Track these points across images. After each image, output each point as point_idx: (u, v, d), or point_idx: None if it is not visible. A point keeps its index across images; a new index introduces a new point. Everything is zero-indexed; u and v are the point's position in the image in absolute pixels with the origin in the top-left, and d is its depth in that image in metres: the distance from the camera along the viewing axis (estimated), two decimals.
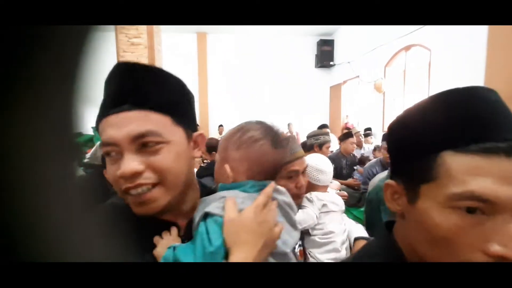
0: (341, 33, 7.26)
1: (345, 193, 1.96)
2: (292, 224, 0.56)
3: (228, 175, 0.52)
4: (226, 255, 0.43)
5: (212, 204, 0.47)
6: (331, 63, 7.57)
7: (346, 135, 2.73)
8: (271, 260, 0.49)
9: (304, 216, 1.01)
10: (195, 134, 0.52)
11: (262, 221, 0.46)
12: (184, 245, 0.46)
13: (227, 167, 0.52)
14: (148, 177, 0.43)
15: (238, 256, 0.43)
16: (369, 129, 4.71)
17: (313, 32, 7.62)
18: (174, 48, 6.86)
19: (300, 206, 1.05)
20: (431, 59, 4.16)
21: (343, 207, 1.13)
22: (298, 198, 1.00)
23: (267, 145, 0.53)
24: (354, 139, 2.70)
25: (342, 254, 1.02)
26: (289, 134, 6.84)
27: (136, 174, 0.42)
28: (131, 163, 0.42)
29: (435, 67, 4.11)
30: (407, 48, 4.82)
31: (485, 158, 0.31)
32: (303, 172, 0.98)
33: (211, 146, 2.21)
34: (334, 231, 1.03)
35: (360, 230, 1.11)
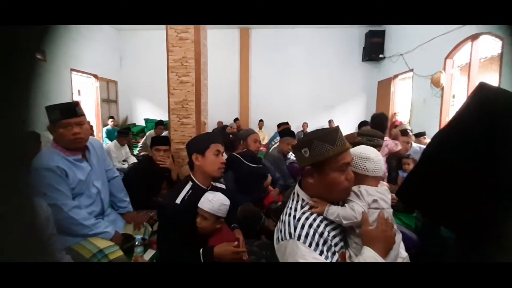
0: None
1: (395, 197, 1.80)
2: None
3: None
4: None
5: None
6: (381, 56, 7.04)
7: (401, 133, 2.49)
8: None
9: (348, 212, 0.92)
10: None
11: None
12: None
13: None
14: None
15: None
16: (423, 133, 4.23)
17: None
18: (218, 42, 7.04)
19: (345, 201, 0.97)
20: (504, 50, 3.60)
21: (389, 206, 1.01)
22: (348, 192, 0.95)
23: None
24: (408, 138, 2.44)
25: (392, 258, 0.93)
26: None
27: None
28: None
29: (508, 59, 3.54)
30: (474, 37, 4.23)
31: None
32: (350, 164, 0.94)
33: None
34: None
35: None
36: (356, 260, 0.88)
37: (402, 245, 1.02)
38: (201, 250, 1.25)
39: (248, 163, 2.17)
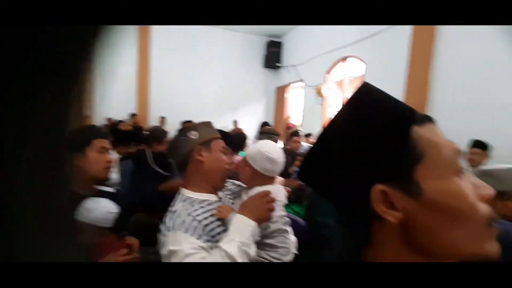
0: (289, 37, 7.55)
1: (289, 188, 1.97)
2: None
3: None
4: None
5: None
6: (278, 64, 7.81)
7: (293, 133, 2.82)
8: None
9: None
10: None
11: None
12: None
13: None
14: None
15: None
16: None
17: (263, 32, 7.73)
18: None
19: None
20: (366, 71, 4.64)
21: (284, 200, 1.08)
22: (226, 175, 1.04)
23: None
24: (299, 138, 2.80)
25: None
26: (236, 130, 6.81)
27: None
28: None
29: (368, 79, 4.59)
30: (344, 59, 5.28)
31: (433, 125, 0.35)
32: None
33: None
34: (278, 227, 0.98)
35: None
36: (229, 229, 0.84)
37: (291, 230, 1.08)
38: None
39: (152, 166, 1.92)
